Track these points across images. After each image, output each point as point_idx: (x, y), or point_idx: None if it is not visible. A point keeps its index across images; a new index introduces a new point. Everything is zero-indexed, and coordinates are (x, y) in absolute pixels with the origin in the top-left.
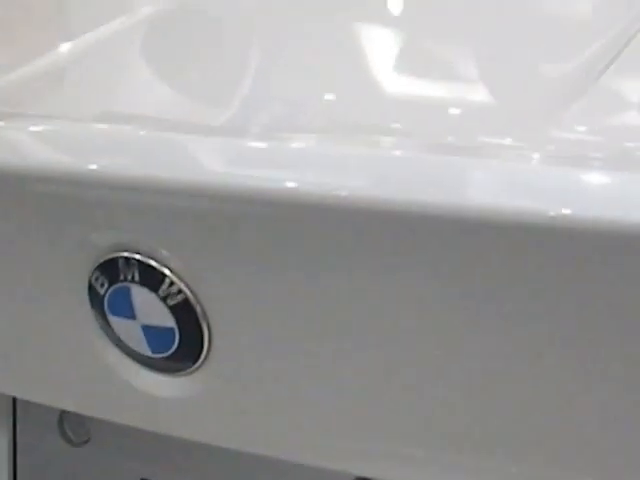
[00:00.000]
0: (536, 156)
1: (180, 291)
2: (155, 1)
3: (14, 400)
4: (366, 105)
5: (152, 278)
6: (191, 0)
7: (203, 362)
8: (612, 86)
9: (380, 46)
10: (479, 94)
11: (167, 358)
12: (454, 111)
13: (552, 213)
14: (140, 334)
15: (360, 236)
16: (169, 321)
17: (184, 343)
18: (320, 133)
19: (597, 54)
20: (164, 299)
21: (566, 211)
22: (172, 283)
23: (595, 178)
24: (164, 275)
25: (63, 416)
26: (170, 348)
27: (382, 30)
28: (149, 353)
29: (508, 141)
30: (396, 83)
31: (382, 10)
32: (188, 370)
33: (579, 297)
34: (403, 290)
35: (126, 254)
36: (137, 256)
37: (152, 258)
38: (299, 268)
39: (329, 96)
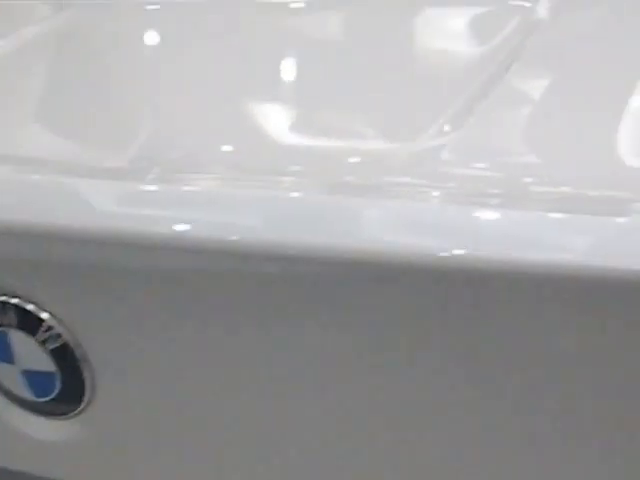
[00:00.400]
0: (436, 194)
1: (59, 335)
2: (43, 18)
3: None
4: (264, 150)
5: (30, 322)
6: (81, 21)
7: (87, 405)
8: (505, 119)
9: (276, 93)
10: (377, 136)
11: (50, 402)
12: (354, 153)
13: (444, 254)
14: (20, 379)
15: (252, 281)
16: (49, 365)
17: (66, 387)
18: (218, 175)
19: (484, 84)
20: (43, 343)
21: (459, 251)
22: (50, 327)
23: (491, 217)
24: (42, 319)
25: None
26: (52, 392)
27: (278, 78)
28: (32, 397)
29: (408, 179)
30: (294, 128)
31: (278, 58)
32: (73, 413)
33: (472, 337)
34: (294, 334)
35: (3, 298)
36: (14, 300)
37: (30, 302)
38: (184, 313)
39: (229, 140)
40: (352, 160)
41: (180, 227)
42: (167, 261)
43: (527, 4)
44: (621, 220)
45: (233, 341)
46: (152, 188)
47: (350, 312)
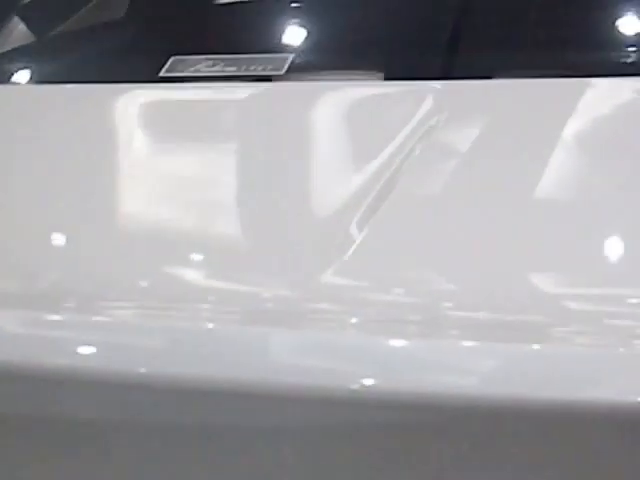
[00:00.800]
0: (354, 321)
1: None
2: None
3: None
4: (182, 278)
5: None
6: None
7: None
8: (419, 237)
9: (189, 220)
10: (294, 261)
11: None
12: (273, 278)
13: (354, 386)
14: None
15: (158, 416)
16: None
17: None
18: (134, 304)
19: (389, 193)
20: None
21: (369, 382)
22: None
23: (405, 345)
24: None
25: None
26: None
27: (191, 201)
28: None
29: (326, 306)
30: (210, 255)
31: (189, 181)
32: None
33: (382, 463)
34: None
35: None
36: None
37: None
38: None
39: (147, 269)
40: (271, 286)
41: (82, 359)
42: (68, 394)
43: (438, 86)
44: (536, 347)
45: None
46: (57, 317)
47: (258, 441)
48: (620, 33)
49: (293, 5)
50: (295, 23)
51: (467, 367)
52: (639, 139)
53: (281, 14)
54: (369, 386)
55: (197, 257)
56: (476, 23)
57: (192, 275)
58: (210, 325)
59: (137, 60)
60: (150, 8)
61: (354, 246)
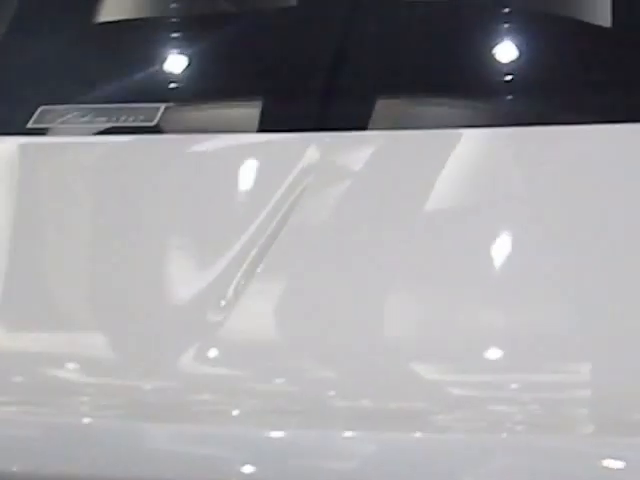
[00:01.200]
0: (235, 412)
1: None
2: None
3: None
4: (59, 372)
5: None
6: None
7: None
8: (300, 322)
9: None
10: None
11: None
12: (155, 370)
13: (234, 477)
14: None
15: None
16: None
17: None
18: (8, 399)
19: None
20: None
21: (248, 471)
22: None
23: (285, 436)
24: None
25: None
26: None
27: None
28: None
29: (207, 397)
30: (86, 349)
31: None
32: None
33: None
34: None
35: None
36: None
37: None
38: None
39: (24, 363)
40: (150, 377)
41: None
42: None
43: (313, 137)
44: (417, 435)
45: None
46: None
47: None
48: (498, 82)
49: (169, 52)
50: (170, 70)
51: (347, 456)
52: (520, 194)
53: (155, 61)
54: (248, 475)
55: (73, 350)
56: (351, 72)
57: (69, 369)
58: (87, 420)
59: (5, 110)
60: (20, 50)
61: (233, 333)
